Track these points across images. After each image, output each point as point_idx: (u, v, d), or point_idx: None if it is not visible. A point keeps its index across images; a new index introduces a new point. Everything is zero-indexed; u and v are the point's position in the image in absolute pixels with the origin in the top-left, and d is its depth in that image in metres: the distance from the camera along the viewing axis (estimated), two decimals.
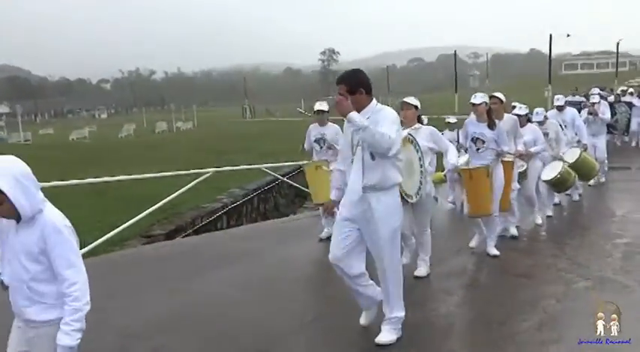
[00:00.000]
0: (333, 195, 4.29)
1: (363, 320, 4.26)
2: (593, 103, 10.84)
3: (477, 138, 6.10)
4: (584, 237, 7.23)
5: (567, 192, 8.63)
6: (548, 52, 45.66)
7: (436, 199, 7.29)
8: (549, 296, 4.95)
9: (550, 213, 8.03)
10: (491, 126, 6.08)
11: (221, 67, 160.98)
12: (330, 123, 7.40)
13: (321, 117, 7.37)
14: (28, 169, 2.55)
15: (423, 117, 5.93)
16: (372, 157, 3.83)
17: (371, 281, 4.09)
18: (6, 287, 2.80)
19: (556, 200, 8.51)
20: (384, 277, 3.98)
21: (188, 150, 24.65)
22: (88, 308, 2.58)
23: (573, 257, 6.20)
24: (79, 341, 2.55)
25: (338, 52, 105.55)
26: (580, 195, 9.13)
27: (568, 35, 49.08)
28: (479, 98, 6.22)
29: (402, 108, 5.75)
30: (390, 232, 3.90)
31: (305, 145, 7.56)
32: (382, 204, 3.86)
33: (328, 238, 5.35)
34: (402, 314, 4.05)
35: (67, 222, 2.64)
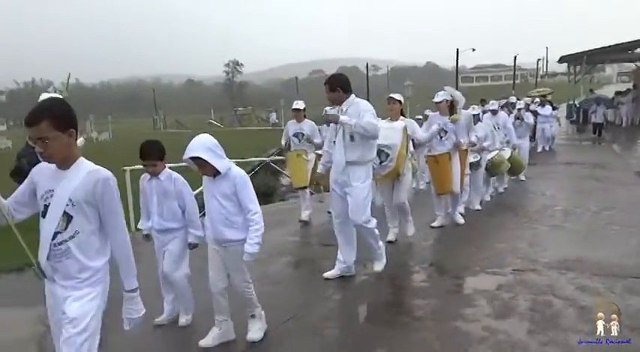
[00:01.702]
0: (320, 169, 5.94)
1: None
2: (519, 109, 12.90)
3: (441, 129, 7.51)
4: (529, 207, 9.11)
5: (496, 185, 10.33)
6: (443, 65, 49.09)
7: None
8: (524, 238, 6.93)
9: (488, 199, 9.70)
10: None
11: (121, 78, 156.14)
12: (306, 119, 8.59)
13: (298, 114, 8.55)
14: (215, 141, 3.83)
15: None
16: (352, 139, 5.26)
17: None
18: (147, 237, 4.21)
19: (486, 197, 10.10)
20: (364, 231, 5.47)
21: (114, 160, 24.48)
22: (263, 230, 3.83)
23: (529, 215, 8.34)
24: (258, 251, 3.82)
25: (242, 64, 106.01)
26: (505, 188, 10.66)
27: (473, 49, 53.14)
28: (440, 97, 7.70)
29: (388, 103, 7.03)
30: (364, 192, 5.33)
31: (283, 140, 8.79)
32: (357, 174, 5.31)
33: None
34: (382, 255, 5.78)
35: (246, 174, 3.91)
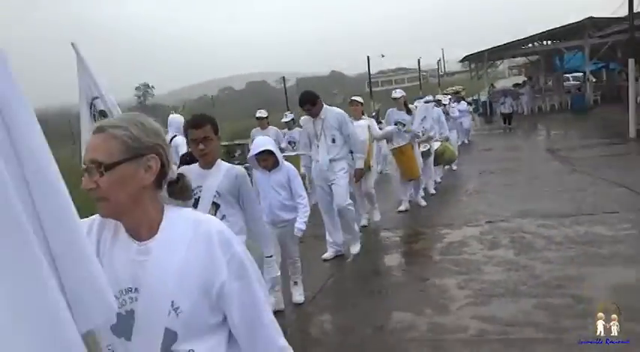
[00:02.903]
0: (303, 171, 7.80)
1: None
2: (445, 105, 14.97)
3: (399, 122, 9.17)
4: (473, 185, 11.15)
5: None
6: (346, 72, 51.68)
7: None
8: (483, 203, 8.72)
9: (439, 180, 11.60)
10: (409, 112, 9.24)
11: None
12: (270, 126, 10.06)
13: (262, 122, 9.96)
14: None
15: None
16: (333, 141, 6.43)
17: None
18: None
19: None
20: (346, 213, 6.51)
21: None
22: (309, 211, 5.15)
23: (476, 189, 10.39)
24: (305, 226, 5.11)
25: (153, 86, 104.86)
26: (441, 178, 12.19)
27: (382, 55, 56.25)
28: (398, 93, 9.34)
29: (351, 105, 8.29)
30: (346, 180, 6.53)
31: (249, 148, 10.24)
32: (339, 166, 6.49)
33: None
34: (357, 238, 6.89)
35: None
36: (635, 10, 15.68)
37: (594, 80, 29.02)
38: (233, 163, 9.48)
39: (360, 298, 5.45)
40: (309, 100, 6.28)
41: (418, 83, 63.69)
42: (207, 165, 3.42)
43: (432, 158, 10.50)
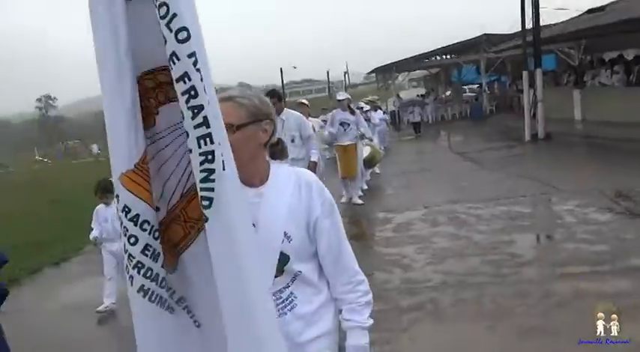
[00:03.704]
0: None
1: None
2: (367, 111, 16.44)
3: (344, 122, 10.29)
4: (401, 181, 12.54)
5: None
6: (254, 83, 52.81)
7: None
8: (418, 194, 10.11)
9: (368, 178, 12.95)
10: (352, 113, 10.41)
11: None
12: None
13: None
14: None
15: None
16: (292, 141, 6.74)
17: None
18: None
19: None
20: None
21: None
22: None
23: (408, 185, 11.72)
24: None
25: (55, 98, 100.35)
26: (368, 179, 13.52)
27: (294, 67, 57.53)
28: (342, 95, 10.44)
29: (300, 107, 8.89)
30: None
31: None
32: (300, 164, 7.08)
33: None
34: None
35: None
36: (526, 27, 17.89)
37: (489, 92, 31.99)
38: None
39: None
40: (277, 95, 6.67)
41: (325, 94, 66.22)
42: None
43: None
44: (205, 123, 1.27)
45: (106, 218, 6.06)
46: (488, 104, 30.02)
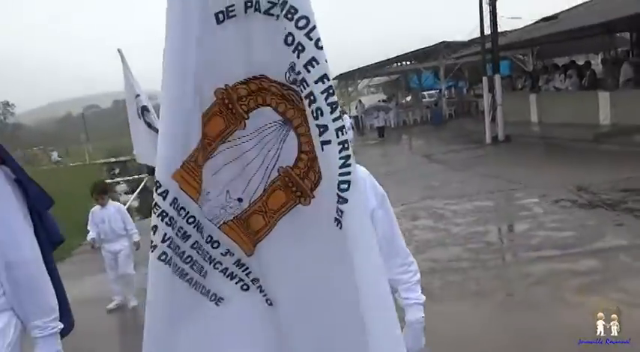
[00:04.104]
0: None
1: None
2: None
3: None
4: None
5: None
6: None
7: None
8: (398, 193, 10.48)
9: None
10: None
11: None
12: None
13: None
14: None
15: None
16: None
17: None
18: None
19: None
20: None
21: None
22: None
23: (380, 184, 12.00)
24: None
25: (13, 104, 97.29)
26: None
27: None
28: None
29: None
30: None
31: None
32: None
33: None
34: None
35: None
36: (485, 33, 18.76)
37: (448, 97, 33.05)
38: (115, 180, 10.08)
39: None
40: None
41: None
42: None
43: None
44: (340, 116, 1.51)
45: (102, 219, 6.16)
46: (448, 109, 31.03)
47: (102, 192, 6.19)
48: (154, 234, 1.60)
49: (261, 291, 1.73)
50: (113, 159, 38.75)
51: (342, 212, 1.49)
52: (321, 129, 1.47)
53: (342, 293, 1.57)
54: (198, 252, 1.67)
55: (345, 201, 1.46)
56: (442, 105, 30.99)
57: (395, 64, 33.85)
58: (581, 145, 13.82)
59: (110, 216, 6.19)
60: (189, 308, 1.72)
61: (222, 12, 1.52)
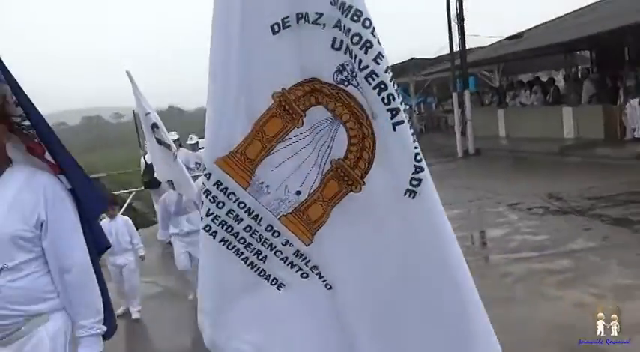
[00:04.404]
0: None
1: None
2: None
3: None
4: None
5: None
6: (184, 107, 52.63)
7: None
8: None
9: None
10: None
11: None
12: (182, 148, 11.54)
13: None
14: None
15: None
16: None
17: None
18: None
19: None
20: None
21: None
22: None
23: None
24: None
25: None
26: None
27: None
28: None
29: None
30: None
31: None
32: None
33: None
34: None
35: None
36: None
37: (417, 112, 33.88)
38: None
39: None
40: None
41: None
42: None
43: None
44: (403, 99, 1.74)
45: (110, 231, 5.97)
46: (418, 124, 31.85)
47: (112, 203, 6.29)
48: (202, 207, 1.87)
49: (320, 277, 1.89)
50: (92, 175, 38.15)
51: (419, 181, 1.70)
52: (393, 112, 1.66)
53: (427, 258, 1.76)
54: (252, 236, 1.88)
55: (422, 169, 1.69)
56: (414, 121, 31.82)
57: None
58: (548, 158, 14.59)
59: (118, 229, 6.24)
60: (244, 285, 1.91)
61: (277, 24, 1.71)
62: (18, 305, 2.15)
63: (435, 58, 27.25)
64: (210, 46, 1.77)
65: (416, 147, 1.70)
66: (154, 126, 5.95)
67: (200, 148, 11.17)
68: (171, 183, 6.01)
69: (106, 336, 2.43)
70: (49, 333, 2.22)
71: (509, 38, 20.73)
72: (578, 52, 20.22)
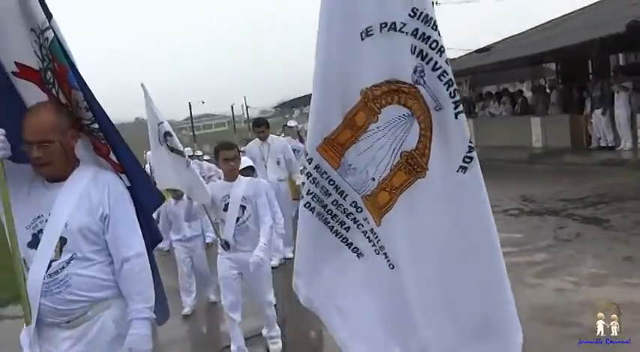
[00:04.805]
0: None
1: None
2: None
3: (294, 149, 10.69)
4: None
5: None
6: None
7: None
8: None
9: None
10: (302, 141, 11.23)
11: None
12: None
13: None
14: None
15: None
16: (278, 163, 7.47)
17: None
18: None
19: None
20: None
21: None
22: None
23: None
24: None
25: None
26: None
27: (203, 102, 58.16)
28: (292, 122, 11.02)
29: (289, 128, 10.33)
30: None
31: None
32: (287, 184, 7.60)
33: None
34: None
35: None
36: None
37: None
38: None
39: None
40: (265, 123, 7.67)
41: (225, 128, 67.06)
42: (233, 178, 4.65)
43: None
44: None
45: None
46: None
47: None
48: (302, 187, 2.21)
49: (385, 257, 2.17)
50: None
51: (470, 158, 2.05)
52: (456, 104, 2.04)
53: (475, 232, 2.08)
54: (338, 209, 2.18)
55: (473, 149, 2.05)
56: None
57: None
58: (518, 165, 15.21)
59: None
60: (330, 250, 2.21)
61: (363, 32, 2.03)
62: (85, 292, 2.36)
63: None
64: (317, 43, 2.08)
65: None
66: (167, 134, 6.07)
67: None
68: (173, 191, 6.14)
69: (160, 322, 2.72)
70: (112, 318, 2.44)
71: (478, 51, 21.46)
72: (544, 65, 21.00)
